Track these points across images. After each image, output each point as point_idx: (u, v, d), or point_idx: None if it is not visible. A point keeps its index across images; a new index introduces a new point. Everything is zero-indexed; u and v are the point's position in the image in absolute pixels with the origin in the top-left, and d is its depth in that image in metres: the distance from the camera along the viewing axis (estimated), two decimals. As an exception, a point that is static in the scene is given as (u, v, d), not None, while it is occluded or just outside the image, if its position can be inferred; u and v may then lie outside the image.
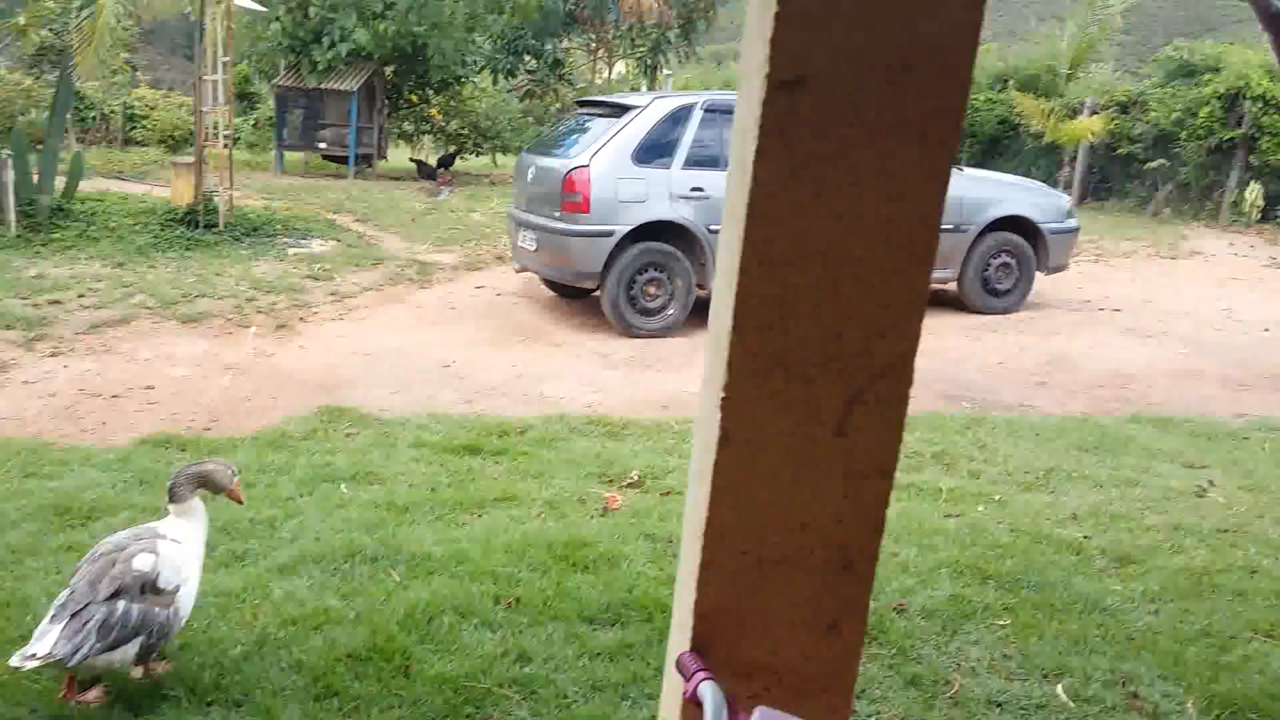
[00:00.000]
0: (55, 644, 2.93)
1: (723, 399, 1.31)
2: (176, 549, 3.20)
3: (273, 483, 4.85)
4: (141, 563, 3.10)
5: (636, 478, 5.17)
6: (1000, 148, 21.94)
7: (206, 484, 3.35)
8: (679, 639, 1.44)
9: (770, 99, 1.20)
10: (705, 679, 1.26)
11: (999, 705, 3.29)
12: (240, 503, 3.62)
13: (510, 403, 6.66)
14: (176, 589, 3.15)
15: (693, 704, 1.26)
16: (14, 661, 2.93)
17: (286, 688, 3.18)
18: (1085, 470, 5.55)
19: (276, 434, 5.65)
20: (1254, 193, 17.37)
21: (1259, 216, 17.39)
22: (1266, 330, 9.69)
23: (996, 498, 5.10)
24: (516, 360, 7.75)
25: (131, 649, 3.06)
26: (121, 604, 3.03)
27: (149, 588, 3.09)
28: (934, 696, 3.32)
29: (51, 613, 3.05)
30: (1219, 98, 18.07)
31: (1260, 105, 17.40)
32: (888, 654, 3.57)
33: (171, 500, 3.32)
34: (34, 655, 2.92)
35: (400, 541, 4.26)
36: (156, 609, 3.09)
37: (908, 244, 1.27)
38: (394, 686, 3.21)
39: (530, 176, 9.29)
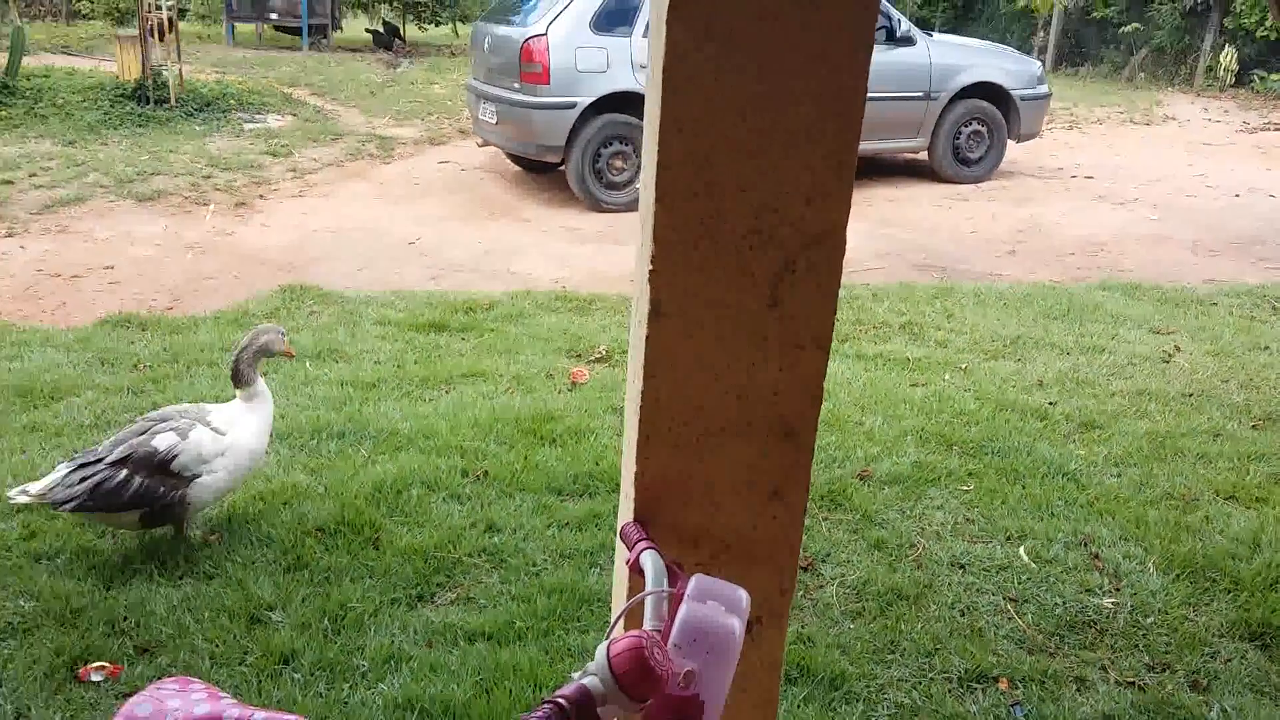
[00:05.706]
0: (53, 488, 3.02)
1: (650, 270, 1.28)
2: (210, 438, 3.17)
3: (236, 362, 4.80)
4: (161, 441, 3.12)
5: (604, 352, 5.15)
6: (974, 12, 21.53)
7: (266, 355, 3.32)
8: (626, 509, 1.44)
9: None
10: (647, 548, 1.26)
11: (962, 567, 3.36)
12: (291, 357, 3.55)
13: (477, 279, 6.59)
14: (193, 477, 3.14)
15: (636, 572, 1.26)
16: (10, 494, 3.06)
17: (257, 561, 3.21)
18: (1052, 338, 5.58)
19: (239, 312, 5.59)
20: (1228, 56, 17.17)
21: (1232, 81, 17.23)
22: (1238, 196, 9.69)
23: (963, 366, 5.13)
24: (483, 236, 7.65)
25: (129, 516, 3.11)
26: (124, 472, 3.05)
27: (160, 467, 3.10)
28: (898, 559, 3.38)
29: (75, 456, 3.15)
30: (1197, -42, 17.68)
31: (1237, -35, 17.07)
32: (852, 519, 3.62)
33: (236, 385, 3.28)
34: (27, 491, 3.03)
35: (367, 418, 4.26)
36: (162, 488, 3.10)
37: (834, 109, 1.23)
38: (363, 558, 3.24)
39: (487, 46, 8.99)
